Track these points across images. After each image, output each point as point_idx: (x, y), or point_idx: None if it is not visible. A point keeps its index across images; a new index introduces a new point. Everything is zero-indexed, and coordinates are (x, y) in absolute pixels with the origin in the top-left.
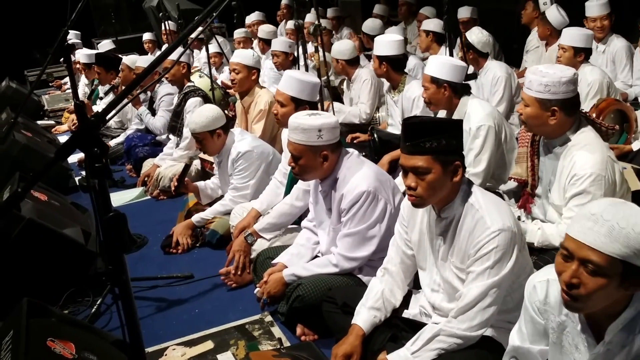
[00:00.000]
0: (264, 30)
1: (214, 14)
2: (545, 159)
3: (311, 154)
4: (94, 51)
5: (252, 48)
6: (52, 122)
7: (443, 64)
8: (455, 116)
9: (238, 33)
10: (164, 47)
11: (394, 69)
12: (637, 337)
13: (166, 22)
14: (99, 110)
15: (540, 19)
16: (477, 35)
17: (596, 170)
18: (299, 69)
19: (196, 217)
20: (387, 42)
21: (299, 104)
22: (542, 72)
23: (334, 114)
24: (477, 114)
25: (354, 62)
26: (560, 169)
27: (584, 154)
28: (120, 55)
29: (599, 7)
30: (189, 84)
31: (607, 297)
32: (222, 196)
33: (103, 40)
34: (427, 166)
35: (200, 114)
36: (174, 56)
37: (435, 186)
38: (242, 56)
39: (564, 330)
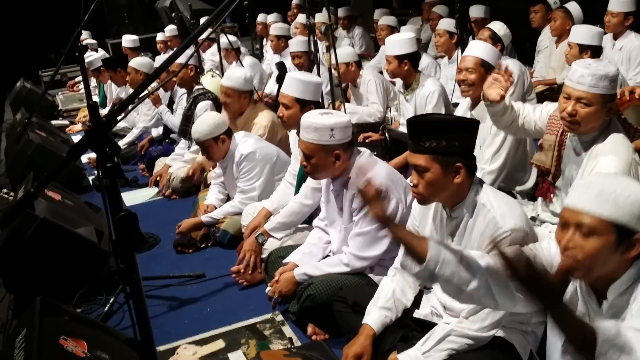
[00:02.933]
0: (277, 26)
1: (225, 14)
2: (570, 152)
3: (323, 153)
4: (94, 55)
5: (256, 46)
6: (66, 122)
7: (492, 49)
8: (478, 109)
9: (225, 44)
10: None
11: (413, 66)
12: (637, 291)
13: (176, 28)
14: (110, 112)
15: (563, 12)
16: (502, 26)
17: (619, 171)
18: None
19: (205, 217)
20: (406, 40)
21: (304, 105)
22: (600, 67)
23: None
24: None
25: (359, 65)
26: (584, 166)
27: (610, 154)
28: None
29: (616, 3)
30: (197, 86)
31: (606, 260)
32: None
33: (128, 35)
34: (426, 165)
35: (203, 123)
36: (181, 59)
37: (434, 185)
38: (233, 79)
39: (573, 303)
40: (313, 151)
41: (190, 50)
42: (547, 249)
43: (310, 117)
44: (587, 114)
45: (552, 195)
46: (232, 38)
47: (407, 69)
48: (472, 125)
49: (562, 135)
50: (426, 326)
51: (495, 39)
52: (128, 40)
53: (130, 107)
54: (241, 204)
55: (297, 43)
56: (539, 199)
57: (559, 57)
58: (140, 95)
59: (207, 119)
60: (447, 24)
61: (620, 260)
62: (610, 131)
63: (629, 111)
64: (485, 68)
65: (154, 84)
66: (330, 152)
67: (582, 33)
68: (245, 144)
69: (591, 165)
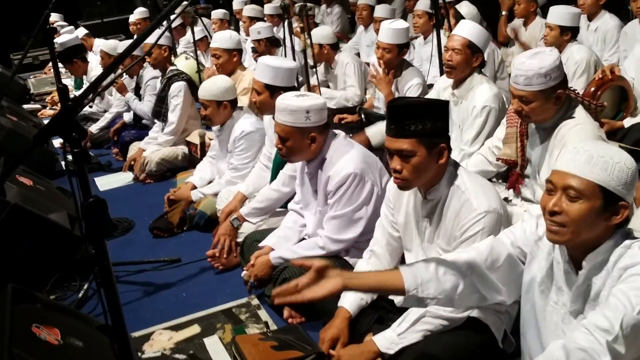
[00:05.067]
0: (250, 8)
1: None
2: (535, 139)
3: (299, 135)
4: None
5: (231, 28)
6: (38, 105)
7: (482, 31)
8: (461, 89)
9: (216, 14)
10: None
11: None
12: (615, 269)
13: (147, 11)
14: (76, 95)
15: None
16: (468, 7)
17: None
18: (285, 51)
19: (196, 192)
20: (406, 29)
21: (274, 91)
22: (534, 63)
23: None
24: (483, 94)
25: (336, 47)
26: (551, 149)
27: (575, 134)
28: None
29: None
30: (171, 67)
31: (590, 226)
32: None
33: (80, 29)
34: (412, 149)
35: (213, 83)
36: (152, 39)
37: (420, 169)
38: (220, 40)
39: (550, 278)
40: (288, 134)
41: (160, 30)
42: (522, 230)
43: (286, 100)
44: (531, 109)
45: (520, 187)
46: (222, 11)
47: (405, 55)
48: (447, 106)
49: (522, 126)
50: (401, 308)
51: (457, 17)
52: (79, 32)
53: (96, 93)
54: (228, 183)
55: (255, 31)
56: None
57: (529, 39)
58: (103, 83)
59: (218, 81)
60: (425, 4)
61: (604, 227)
62: (571, 111)
63: (607, 92)
64: (472, 50)
65: (118, 71)
66: (305, 135)
67: (563, 15)
68: (247, 121)
69: (559, 146)
